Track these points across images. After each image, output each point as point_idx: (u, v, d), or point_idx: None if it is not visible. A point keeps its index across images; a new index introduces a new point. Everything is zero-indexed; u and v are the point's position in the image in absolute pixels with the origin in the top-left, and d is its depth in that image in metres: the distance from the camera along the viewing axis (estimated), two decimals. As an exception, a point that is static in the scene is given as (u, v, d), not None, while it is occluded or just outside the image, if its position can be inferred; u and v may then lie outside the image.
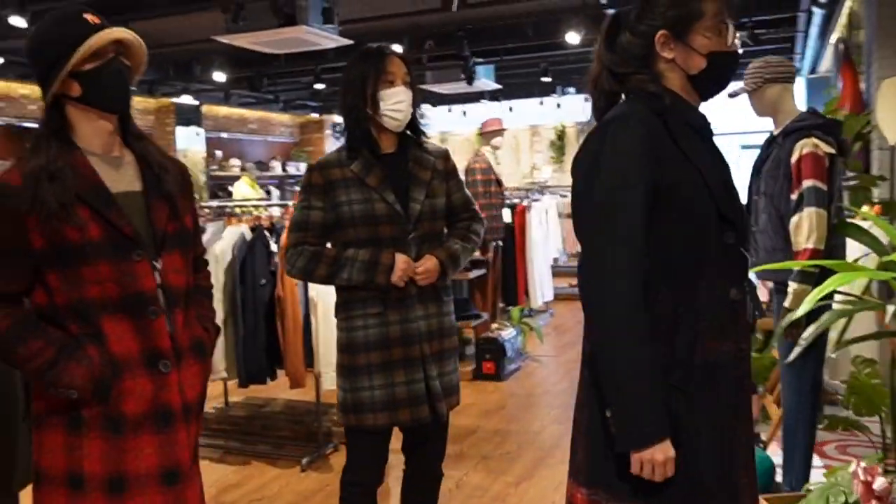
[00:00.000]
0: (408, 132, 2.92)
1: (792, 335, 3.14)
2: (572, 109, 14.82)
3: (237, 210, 5.49)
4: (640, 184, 1.80)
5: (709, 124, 1.97)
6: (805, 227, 3.24)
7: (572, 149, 15.51)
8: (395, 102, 2.78)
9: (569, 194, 8.61)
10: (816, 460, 3.61)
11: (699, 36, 1.88)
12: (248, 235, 4.76)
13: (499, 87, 11.75)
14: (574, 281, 10.32)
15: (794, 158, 3.32)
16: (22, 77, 11.35)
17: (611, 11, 7.13)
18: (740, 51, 1.98)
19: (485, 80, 11.21)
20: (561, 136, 15.63)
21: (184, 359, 2.11)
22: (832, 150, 3.30)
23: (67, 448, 1.99)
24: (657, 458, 1.75)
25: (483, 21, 9.64)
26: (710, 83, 1.93)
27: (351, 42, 8.60)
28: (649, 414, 1.76)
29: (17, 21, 7.08)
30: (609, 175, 1.83)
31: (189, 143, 15.41)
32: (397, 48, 9.49)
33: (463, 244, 2.94)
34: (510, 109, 14.58)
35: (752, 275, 3.35)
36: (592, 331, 1.87)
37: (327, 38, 8.08)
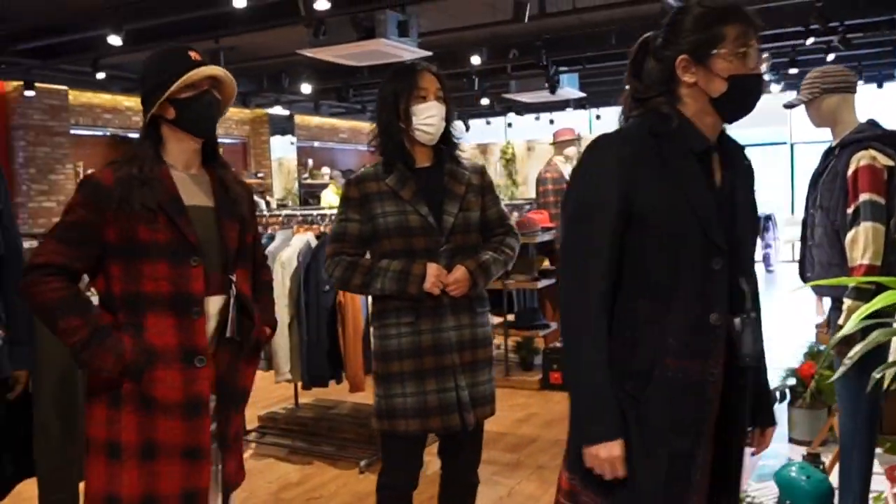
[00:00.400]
0: (443, 146, 2.99)
1: (843, 353, 3.09)
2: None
3: (312, 217, 5.66)
4: (611, 202, 1.88)
5: (712, 150, 1.98)
6: (861, 242, 3.15)
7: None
8: (427, 117, 2.86)
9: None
10: (880, 484, 3.51)
11: (720, 60, 1.91)
12: (314, 243, 4.92)
13: (582, 95, 11.74)
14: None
15: (850, 171, 3.23)
16: (126, 90, 11.90)
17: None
18: (765, 72, 2.00)
19: (569, 88, 11.24)
20: (650, 143, 15.49)
21: (239, 351, 2.40)
22: (891, 163, 3.21)
23: (108, 421, 2.22)
24: (601, 456, 1.87)
25: (564, 30, 9.68)
26: (732, 106, 1.96)
27: (429, 53, 8.74)
28: (596, 414, 1.89)
29: (114, 39, 7.48)
30: (583, 190, 1.95)
31: (284, 152, 15.89)
32: (476, 59, 9.69)
33: (494, 255, 2.99)
34: (597, 117, 14.58)
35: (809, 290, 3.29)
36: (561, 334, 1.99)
37: (406, 50, 8.22)
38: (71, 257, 2.20)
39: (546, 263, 7.09)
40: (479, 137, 17.82)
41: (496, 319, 7.05)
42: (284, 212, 6.27)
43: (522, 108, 14.48)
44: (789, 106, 3.54)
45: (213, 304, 2.31)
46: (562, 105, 13.94)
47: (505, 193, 16.77)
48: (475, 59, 9.68)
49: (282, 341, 4.82)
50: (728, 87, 1.92)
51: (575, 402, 1.94)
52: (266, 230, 5.44)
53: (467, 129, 16.47)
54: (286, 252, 4.90)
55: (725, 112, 1.97)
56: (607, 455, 1.88)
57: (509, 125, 16.97)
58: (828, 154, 3.46)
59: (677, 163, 1.92)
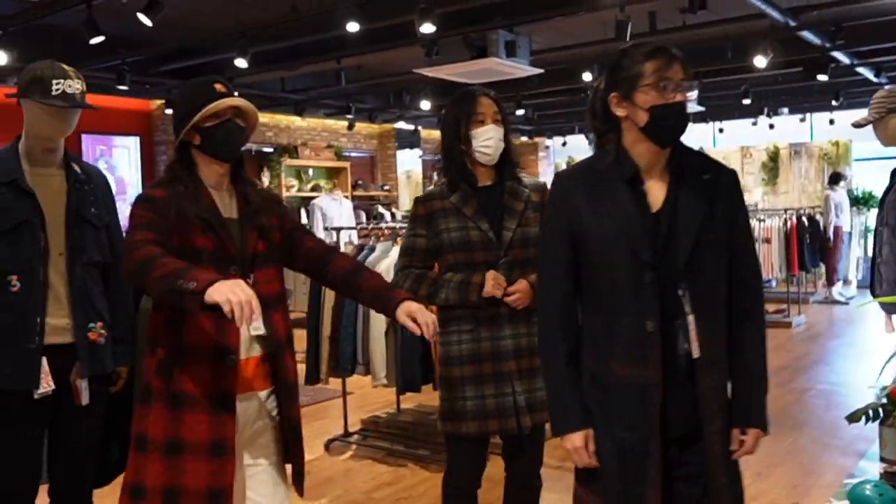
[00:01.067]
0: (504, 166, 3.17)
1: None
2: (786, 130, 14.38)
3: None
4: (558, 230, 2.27)
5: (639, 176, 2.20)
6: None
7: (786, 170, 15.00)
8: (485, 139, 3.06)
9: (777, 217, 8.55)
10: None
11: (640, 94, 2.14)
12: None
13: (701, 109, 11.68)
14: (769, 307, 10.07)
15: None
16: (259, 107, 12.45)
17: (804, 34, 7.03)
18: (688, 100, 2.19)
19: (686, 102, 11.19)
20: (774, 157, 15.14)
21: (281, 348, 2.58)
22: None
23: (140, 416, 2.46)
24: (567, 446, 2.24)
25: (678, 46, 9.69)
26: (658, 132, 2.16)
27: (541, 71, 8.93)
28: (561, 408, 2.27)
29: (241, 62, 7.97)
30: (545, 219, 2.44)
31: (411, 165, 16.36)
32: (587, 76, 9.82)
33: None
34: (720, 130, 14.38)
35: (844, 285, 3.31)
36: None
37: (517, 68, 8.46)
38: (156, 237, 2.35)
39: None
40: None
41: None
42: (386, 224, 6.56)
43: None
44: (857, 125, 3.58)
45: None
46: (682, 119, 13.88)
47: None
48: (587, 76, 9.81)
49: (378, 348, 5.12)
50: (650, 117, 2.13)
51: (548, 398, 2.35)
52: (369, 241, 5.74)
53: (589, 142, 16.48)
54: (384, 263, 5.20)
55: (654, 138, 2.17)
56: (571, 445, 2.23)
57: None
58: (894, 173, 3.49)
59: (608, 191, 2.20)
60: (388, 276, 5.10)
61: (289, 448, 2.66)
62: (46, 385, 2.79)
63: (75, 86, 2.83)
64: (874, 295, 3.57)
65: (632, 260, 2.15)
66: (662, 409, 2.14)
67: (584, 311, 2.27)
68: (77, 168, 2.98)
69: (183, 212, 2.42)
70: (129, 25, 7.51)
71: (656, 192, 2.21)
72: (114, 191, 3.22)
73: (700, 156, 2.31)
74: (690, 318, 2.14)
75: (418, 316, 2.54)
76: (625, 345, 2.16)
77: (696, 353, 2.14)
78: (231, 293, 2.09)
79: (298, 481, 2.68)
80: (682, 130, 2.20)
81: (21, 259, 2.78)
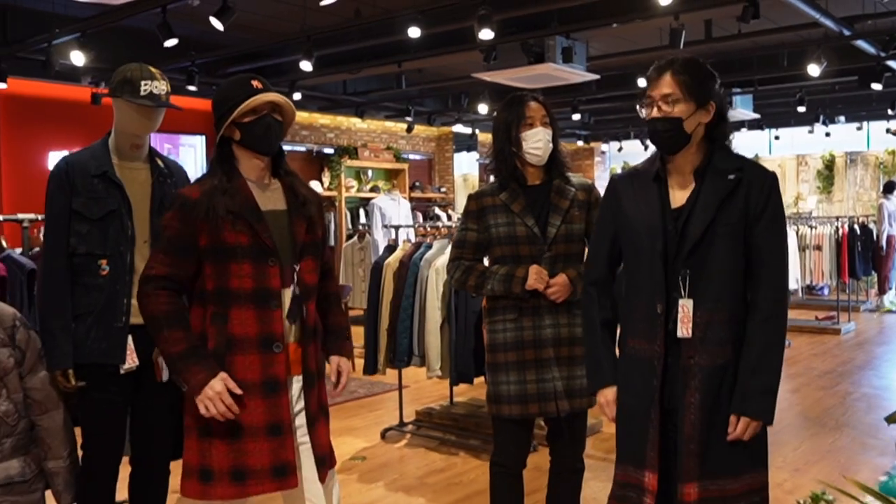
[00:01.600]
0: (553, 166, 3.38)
1: None
2: (842, 138, 14.33)
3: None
4: (605, 222, 2.72)
5: (662, 176, 2.55)
6: None
7: (841, 179, 14.95)
8: (535, 142, 3.28)
9: (829, 224, 8.69)
10: None
11: (642, 111, 2.58)
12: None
13: (756, 116, 11.75)
14: (819, 314, 10.12)
15: None
16: (321, 109, 12.87)
17: (858, 43, 7.29)
18: (652, 116, 2.50)
19: (741, 109, 11.29)
20: (830, 165, 15.10)
21: (310, 337, 2.75)
22: None
23: (194, 404, 2.58)
24: (600, 400, 2.71)
25: (734, 53, 9.81)
26: (653, 141, 2.54)
27: (597, 76, 9.11)
28: (595, 366, 2.71)
29: (306, 65, 8.26)
30: (599, 214, 2.90)
31: (468, 168, 16.59)
32: (642, 82, 9.95)
33: None
34: (776, 138, 14.41)
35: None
36: None
37: (573, 73, 8.66)
38: (174, 266, 2.60)
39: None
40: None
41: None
42: (441, 223, 6.80)
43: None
44: (891, 131, 3.73)
45: (287, 294, 2.68)
46: (737, 126, 13.91)
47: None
48: (642, 82, 9.93)
49: (433, 340, 5.37)
50: (648, 129, 2.53)
51: (585, 361, 2.83)
52: (426, 240, 5.99)
53: (645, 147, 16.59)
54: (440, 260, 5.44)
55: (655, 146, 2.56)
56: (603, 399, 2.68)
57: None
58: None
59: (643, 189, 2.56)
60: (444, 273, 5.37)
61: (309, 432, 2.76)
62: (132, 361, 3.08)
63: (161, 87, 3.12)
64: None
65: (650, 249, 2.48)
66: (663, 381, 2.47)
67: (624, 292, 2.62)
68: (161, 163, 3.27)
69: (213, 210, 2.58)
70: (199, 28, 7.89)
71: (682, 190, 2.50)
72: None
73: (736, 159, 2.51)
74: (682, 302, 2.42)
75: (343, 366, 2.90)
76: (639, 322, 2.53)
77: (681, 333, 2.43)
78: (210, 407, 2.53)
79: (319, 466, 2.76)
80: (662, 139, 2.49)
81: (110, 245, 3.07)
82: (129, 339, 3.09)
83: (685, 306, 2.42)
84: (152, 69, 3.15)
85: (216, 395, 2.52)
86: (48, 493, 3.10)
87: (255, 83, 2.68)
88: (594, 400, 3.40)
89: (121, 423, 3.19)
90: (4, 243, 3.74)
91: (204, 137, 12.04)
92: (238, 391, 2.56)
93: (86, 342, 3.04)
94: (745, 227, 2.43)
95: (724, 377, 2.43)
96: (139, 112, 3.10)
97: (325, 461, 2.77)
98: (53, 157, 10.70)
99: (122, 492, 3.29)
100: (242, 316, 2.61)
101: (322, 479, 2.75)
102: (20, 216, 3.67)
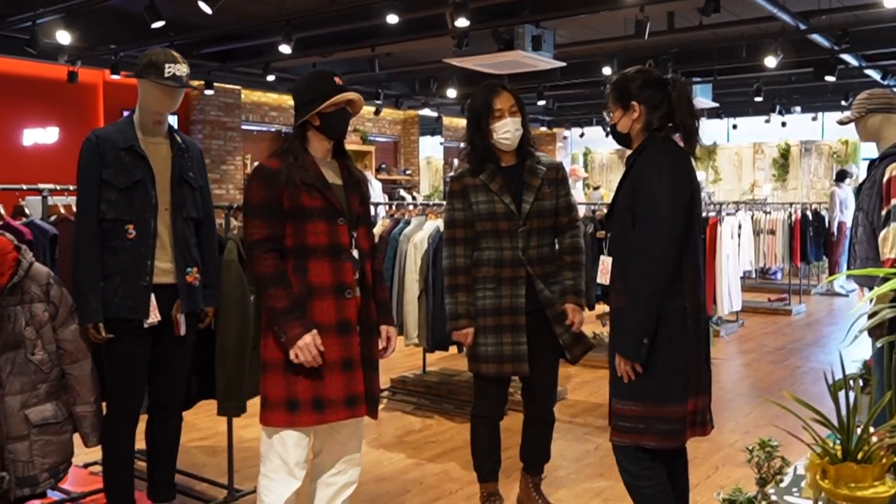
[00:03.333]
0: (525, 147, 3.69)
1: (877, 336, 3.57)
2: (798, 128, 14.83)
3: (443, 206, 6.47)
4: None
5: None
6: (890, 240, 3.63)
7: (796, 167, 15.47)
8: (504, 132, 3.59)
9: (783, 210, 9.06)
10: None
11: None
12: (443, 228, 5.73)
13: (715, 105, 12.16)
14: (772, 296, 10.55)
15: (885, 179, 3.72)
16: (291, 91, 13.06)
17: (813, 37, 7.78)
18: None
19: (701, 98, 11.68)
20: (785, 154, 15.63)
21: (367, 290, 3.15)
22: None
23: (280, 344, 2.96)
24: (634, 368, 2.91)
25: (695, 44, 10.19)
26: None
27: (563, 64, 9.44)
28: (639, 337, 2.86)
29: (285, 48, 8.51)
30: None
31: (432, 152, 16.88)
32: (607, 70, 10.34)
33: (574, 274, 3.73)
34: (734, 127, 14.85)
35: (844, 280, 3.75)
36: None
37: (542, 61, 8.97)
38: (270, 227, 2.95)
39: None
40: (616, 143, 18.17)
41: (606, 308, 7.70)
42: (420, 201, 7.10)
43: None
44: (841, 123, 4.09)
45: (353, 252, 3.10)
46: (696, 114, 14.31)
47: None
48: (606, 70, 10.33)
49: (411, 310, 5.67)
50: None
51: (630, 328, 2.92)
52: (405, 217, 6.29)
53: (606, 134, 16.98)
54: (419, 235, 5.75)
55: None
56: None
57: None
58: (871, 166, 3.99)
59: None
60: (422, 247, 5.68)
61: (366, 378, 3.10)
62: (154, 316, 3.41)
63: (183, 69, 3.44)
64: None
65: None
66: None
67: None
68: (179, 139, 3.59)
69: (292, 179, 2.97)
70: (178, 10, 8.10)
71: None
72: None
73: (640, 149, 3.02)
74: (602, 258, 3.04)
75: (392, 333, 3.27)
76: (690, 283, 2.99)
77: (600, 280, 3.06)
78: (301, 354, 2.89)
79: (373, 406, 3.12)
80: (616, 140, 3.12)
81: (136, 211, 3.39)
82: (152, 297, 3.40)
83: (605, 262, 2.97)
84: (175, 53, 3.46)
85: (306, 345, 2.89)
86: (76, 436, 3.43)
87: (337, 80, 3.08)
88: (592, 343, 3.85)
89: (143, 372, 3.51)
90: (3, 211, 3.98)
91: (176, 118, 12.17)
92: (322, 348, 2.93)
93: (114, 299, 3.35)
94: (633, 202, 2.90)
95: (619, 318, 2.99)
96: (163, 91, 3.42)
97: (377, 401, 3.16)
98: (29, 135, 10.86)
99: (139, 443, 3.63)
100: (320, 267, 3.00)
101: (374, 415, 3.13)
102: (40, 186, 3.97)
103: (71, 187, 3.71)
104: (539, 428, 3.90)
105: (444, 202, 3.90)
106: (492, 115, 3.58)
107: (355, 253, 3.09)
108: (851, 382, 4.51)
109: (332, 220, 3.03)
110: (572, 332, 3.67)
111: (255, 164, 3.33)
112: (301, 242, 2.99)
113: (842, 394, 2.12)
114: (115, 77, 10.28)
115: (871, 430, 1.92)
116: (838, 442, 1.92)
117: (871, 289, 3.78)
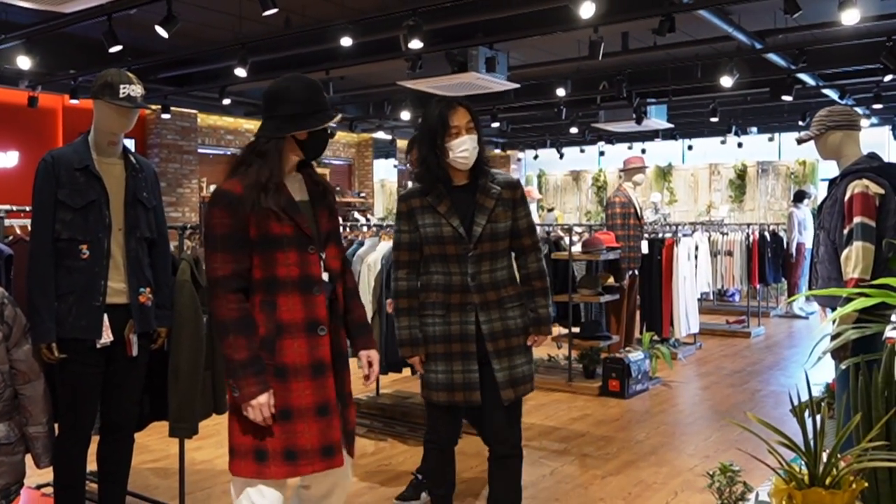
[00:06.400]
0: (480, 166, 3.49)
1: (841, 357, 3.49)
2: (754, 149, 14.93)
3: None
4: None
5: None
6: (853, 259, 3.62)
7: (753, 188, 15.58)
8: (461, 150, 3.38)
9: (741, 231, 9.08)
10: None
11: None
12: (394, 250, 5.66)
13: (670, 126, 12.22)
14: (730, 318, 10.56)
15: (846, 197, 3.71)
16: (247, 115, 13.00)
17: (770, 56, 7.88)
18: None
19: (656, 119, 11.72)
20: (741, 174, 15.72)
21: (337, 319, 2.89)
22: (882, 191, 3.67)
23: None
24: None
25: (650, 65, 10.22)
26: None
27: (517, 85, 9.43)
28: None
29: (240, 71, 8.44)
30: None
31: (386, 174, 16.87)
32: (561, 91, 10.35)
33: (546, 300, 3.56)
34: (689, 148, 14.94)
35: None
36: None
37: (496, 83, 8.95)
38: (235, 262, 2.69)
39: (610, 280, 7.63)
40: (573, 165, 18.35)
41: (562, 330, 7.67)
42: (374, 223, 7.02)
43: (615, 138, 14.93)
44: (800, 141, 4.04)
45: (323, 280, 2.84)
46: (651, 135, 14.39)
47: (595, 217, 17.31)
48: (560, 91, 10.34)
49: (364, 333, 5.56)
50: None
51: None
52: (358, 238, 6.20)
53: (560, 156, 17.07)
54: (372, 256, 5.67)
55: None
56: None
57: (601, 153, 17.43)
58: (831, 184, 3.94)
59: None
60: (375, 268, 5.58)
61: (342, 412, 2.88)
62: (107, 337, 3.40)
63: (137, 90, 3.44)
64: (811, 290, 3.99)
65: None
66: None
67: None
68: (133, 159, 3.58)
69: (258, 204, 2.69)
70: (135, 35, 8.03)
71: None
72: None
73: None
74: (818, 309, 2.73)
75: (373, 358, 3.03)
76: None
77: None
78: (252, 413, 2.66)
79: (348, 442, 2.89)
80: None
81: (90, 231, 3.38)
82: (105, 317, 3.38)
83: None
84: (129, 74, 3.45)
85: (260, 406, 2.65)
86: (28, 458, 3.42)
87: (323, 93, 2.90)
88: (533, 386, 3.61)
89: (95, 393, 3.49)
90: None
91: (133, 141, 12.03)
92: (273, 411, 2.69)
93: (67, 319, 3.34)
94: None
95: None
96: (118, 112, 3.42)
97: (353, 437, 2.94)
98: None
99: (90, 464, 3.60)
100: (290, 302, 2.75)
101: (350, 452, 2.91)
102: (-5, 207, 3.98)
103: (27, 209, 3.67)
104: (499, 465, 3.58)
105: (395, 222, 3.77)
106: (448, 133, 3.36)
107: (325, 276, 2.84)
108: (818, 405, 4.43)
109: (303, 249, 2.78)
110: (512, 373, 3.44)
111: (213, 187, 3.08)
112: (270, 274, 2.75)
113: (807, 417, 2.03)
114: (74, 102, 10.39)
115: (839, 454, 1.83)
116: (804, 466, 1.84)
117: (833, 309, 3.79)
